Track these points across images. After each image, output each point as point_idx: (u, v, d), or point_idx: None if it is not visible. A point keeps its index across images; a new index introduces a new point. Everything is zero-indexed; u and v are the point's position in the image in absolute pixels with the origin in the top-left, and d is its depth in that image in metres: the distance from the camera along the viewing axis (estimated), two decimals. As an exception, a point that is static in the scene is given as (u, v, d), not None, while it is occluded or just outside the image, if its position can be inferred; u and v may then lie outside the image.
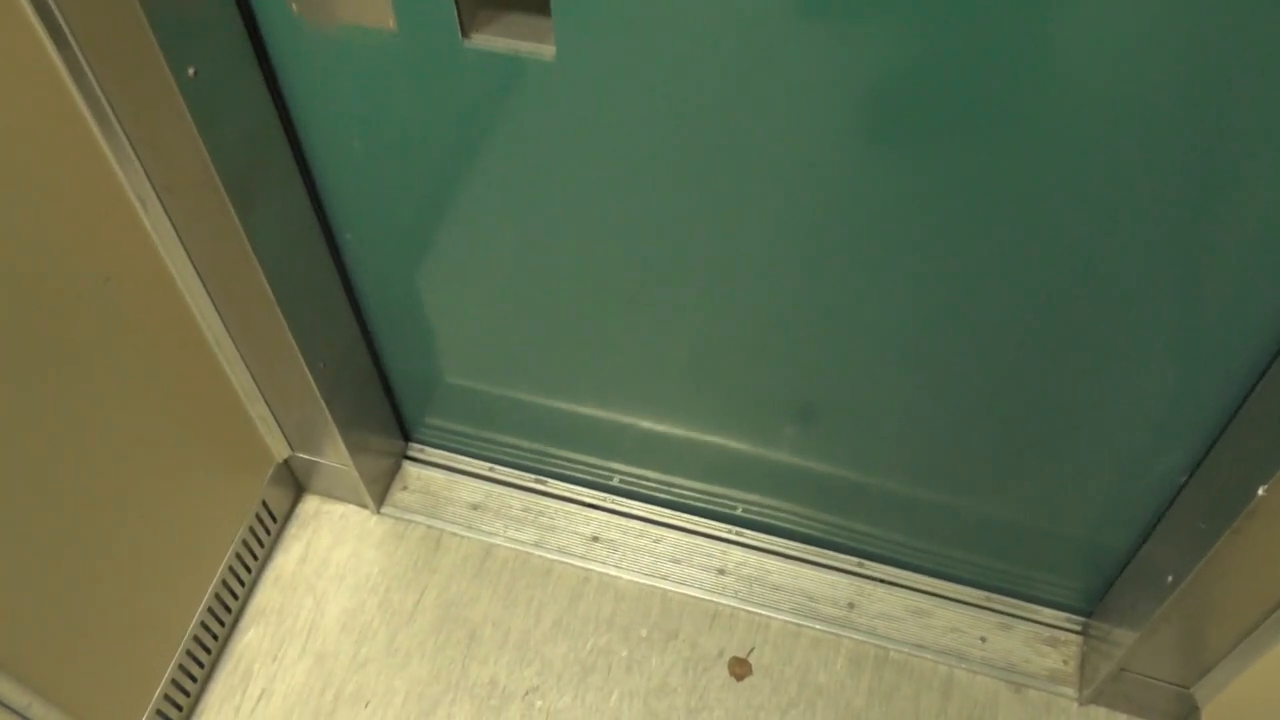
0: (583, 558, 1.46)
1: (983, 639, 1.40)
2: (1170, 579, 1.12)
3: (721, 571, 1.45)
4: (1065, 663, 1.39)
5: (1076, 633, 1.41)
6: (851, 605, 1.43)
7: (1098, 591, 1.37)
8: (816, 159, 0.93)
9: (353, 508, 1.51)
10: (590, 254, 1.11)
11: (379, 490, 1.50)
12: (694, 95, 0.90)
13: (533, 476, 1.52)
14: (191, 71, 0.91)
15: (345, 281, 1.24)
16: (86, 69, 0.90)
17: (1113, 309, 0.97)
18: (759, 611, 1.42)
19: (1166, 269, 0.92)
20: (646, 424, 1.34)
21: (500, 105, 0.97)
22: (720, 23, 0.84)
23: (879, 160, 0.91)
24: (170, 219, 1.04)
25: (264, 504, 1.42)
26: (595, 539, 1.48)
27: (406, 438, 1.55)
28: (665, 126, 0.94)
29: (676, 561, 1.46)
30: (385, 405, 1.45)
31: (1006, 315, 1.02)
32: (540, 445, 1.46)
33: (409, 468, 1.54)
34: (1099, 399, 1.08)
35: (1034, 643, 1.40)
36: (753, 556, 1.46)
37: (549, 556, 1.47)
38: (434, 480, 1.53)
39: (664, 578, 1.45)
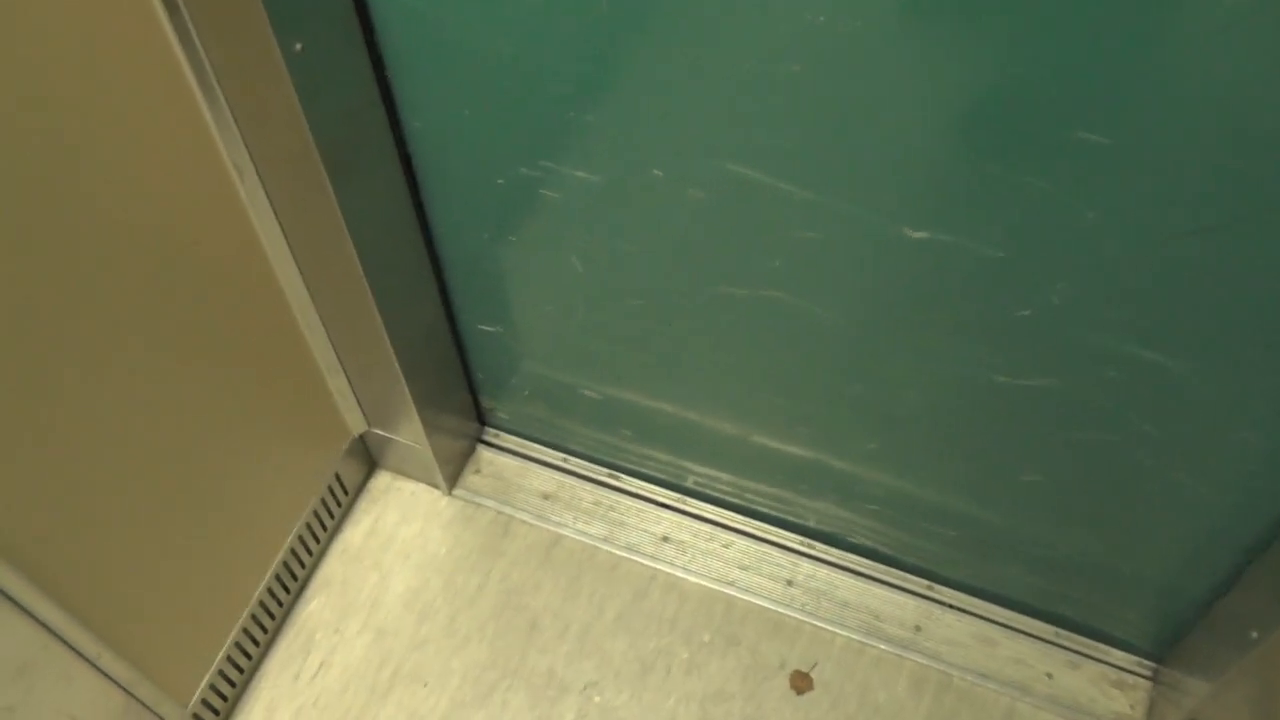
0: (651, 556, 1.45)
1: (1049, 675, 1.37)
2: (1254, 634, 1.08)
3: (790, 583, 1.43)
4: (1132, 708, 1.35)
5: (1146, 678, 1.37)
6: (918, 628, 1.40)
7: (1172, 637, 1.33)
8: (922, 167, 0.90)
9: (424, 486, 1.52)
10: (683, 250, 1.09)
11: (451, 471, 1.50)
12: (796, 93, 0.88)
13: (606, 470, 1.51)
14: (299, 47, 0.91)
15: (434, 263, 1.24)
16: (195, 38, 0.90)
17: (1216, 340, 0.93)
18: (824, 626, 1.40)
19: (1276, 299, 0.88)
20: (725, 427, 1.32)
21: (603, 103, 0.96)
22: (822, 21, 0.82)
23: (974, 174, 0.89)
24: (265, 190, 1.05)
25: (337, 476, 1.43)
26: (665, 539, 1.47)
27: (482, 421, 1.55)
28: (768, 120, 0.91)
29: (745, 568, 1.44)
30: (463, 388, 1.45)
31: (1104, 343, 0.98)
32: (616, 440, 1.45)
33: (483, 451, 1.54)
34: (1194, 438, 1.04)
35: (1101, 683, 1.37)
36: (822, 570, 1.44)
37: (617, 552, 1.46)
38: (507, 466, 1.53)
39: (731, 584, 1.43)
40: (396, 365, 1.24)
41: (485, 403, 1.48)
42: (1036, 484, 1.20)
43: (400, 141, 1.11)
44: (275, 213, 1.08)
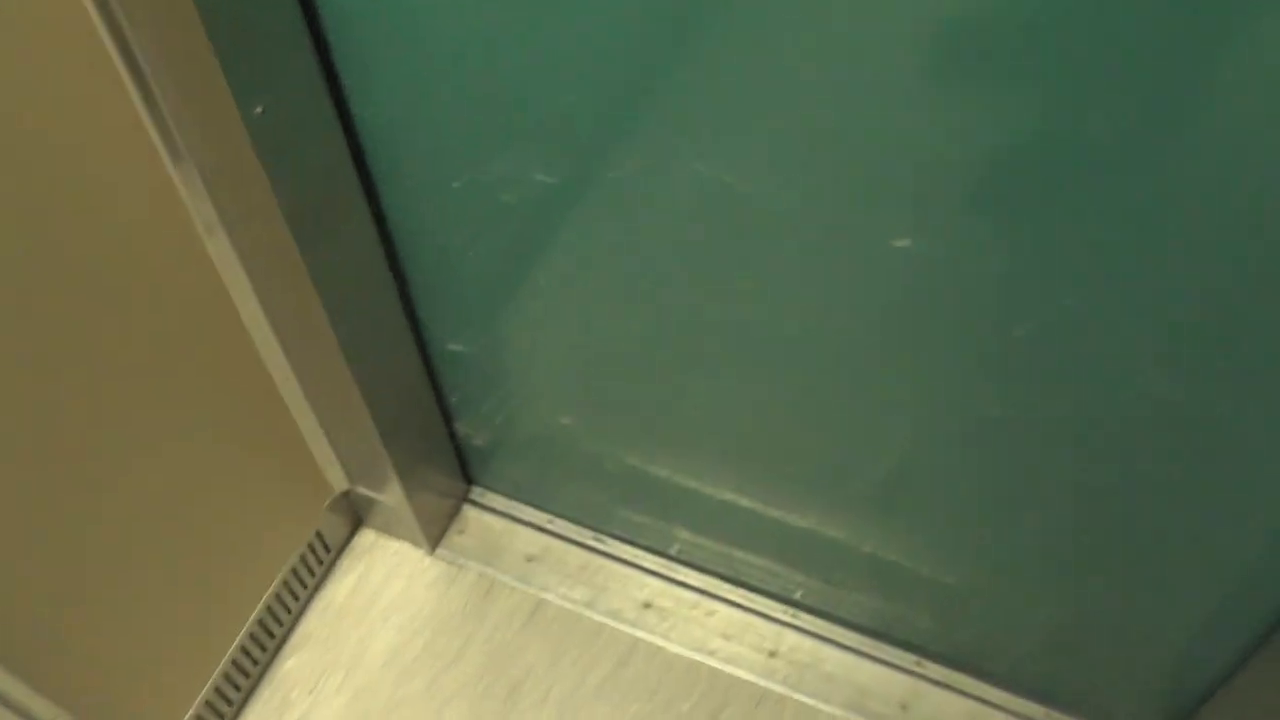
0: (633, 624, 1.43)
1: (1040, 758, 1.33)
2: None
3: (773, 654, 1.40)
4: (1126, 795, 1.31)
5: (1143, 764, 1.33)
6: (905, 706, 1.36)
7: (1173, 721, 1.29)
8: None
9: (408, 545, 1.50)
10: (667, 314, 1.07)
11: (436, 531, 1.48)
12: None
13: (592, 534, 1.49)
14: (259, 110, 0.90)
15: (414, 323, 1.23)
16: (159, 99, 0.90)
17: (1248, 370, 0.86)
18: (807, 700, 1.37)
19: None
20: (713, 492, 1.30)
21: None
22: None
23: (975, 241, 0.86)
24: (235, 249, 1.04)
25: (318, 534, 1.42)
26: (648, 605, 1.44)
27: (470, 481, 1.53)
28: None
29: (728, 638, 1.41)
30: (448, 448, 1.44)
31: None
32: (603, 503, 1.43)
33: (469, 511, 1.53)
34: (1222, 486, 0.97)
35: (1094, 769, 1.33)
36: (807, 641, 1.41)
37: (599, 619, 1.43)
38: (492, 527, 1.51)
39: (713, 653, 1.40)
40: (372, 425, 1.22)
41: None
42: (1038, 535, 1.13)
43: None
44: (246, 271, 1.07)
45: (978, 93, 0.76)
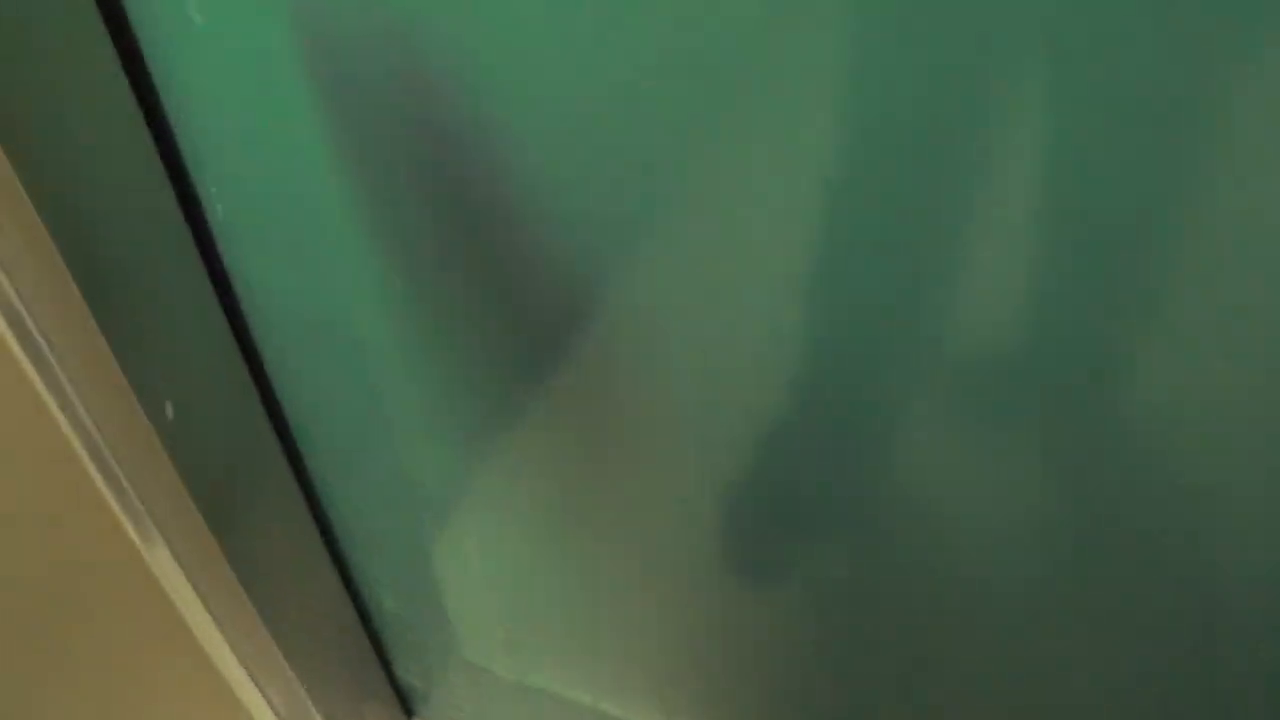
0: None
1: None
2: None
3: None
4: None
5: None
6: None
7: None
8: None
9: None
10: (610, 538, 1.05)
11: (379, 773, 1.44)
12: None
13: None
14: (170, 412, 0.89)
15: (347, 581, 1.21)
16: (76, 404, 0.88)
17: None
18: None
19: None
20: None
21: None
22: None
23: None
24: (170, 547, 1.01)
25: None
26: None
27: (410, 713, 1.49)
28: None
29: None
30: (387, 691, 1.40)
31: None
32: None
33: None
34: None
35: None
36: None
37: None
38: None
39: None
40: (301, 688, 1.20)
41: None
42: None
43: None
44: (182, 569, 1.04)
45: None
